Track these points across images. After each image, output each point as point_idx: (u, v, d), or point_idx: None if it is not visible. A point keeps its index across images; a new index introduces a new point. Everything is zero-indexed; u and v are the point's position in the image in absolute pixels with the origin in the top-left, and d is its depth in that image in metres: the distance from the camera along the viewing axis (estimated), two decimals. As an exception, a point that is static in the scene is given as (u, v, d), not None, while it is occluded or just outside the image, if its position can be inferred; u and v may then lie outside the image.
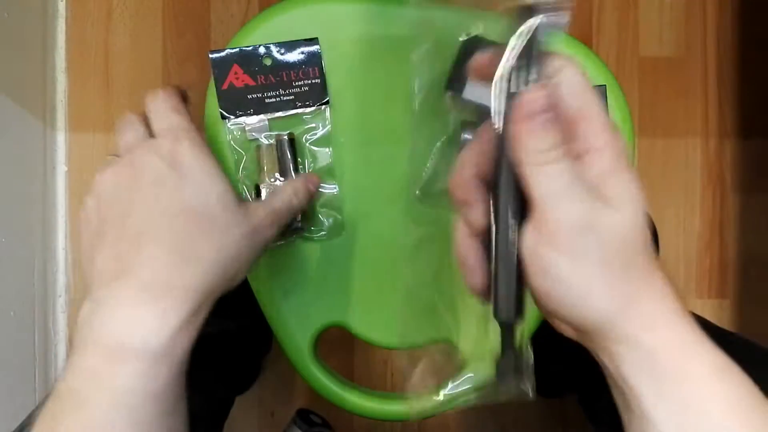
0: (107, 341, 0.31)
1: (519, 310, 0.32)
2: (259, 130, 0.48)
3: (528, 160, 0.28)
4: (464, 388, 0.42)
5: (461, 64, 0.48)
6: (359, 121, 0.49)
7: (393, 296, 0.50)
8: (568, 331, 0.33)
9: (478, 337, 0.37)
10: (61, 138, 0.87)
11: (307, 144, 0.49)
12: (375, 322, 0.50)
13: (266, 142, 0.48)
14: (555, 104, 0.29)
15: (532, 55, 0.29)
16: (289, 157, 0.48)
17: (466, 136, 0.48)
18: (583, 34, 0.89)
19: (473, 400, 0.39)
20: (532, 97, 0.28)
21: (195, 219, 0.34)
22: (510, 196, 0.30)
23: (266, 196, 0.47)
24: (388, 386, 0.88)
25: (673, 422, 0.29)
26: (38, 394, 0.81)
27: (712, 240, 0.90)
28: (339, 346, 0.87)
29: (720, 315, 0.90)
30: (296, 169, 0.48)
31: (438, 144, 0.49)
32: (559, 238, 0.28)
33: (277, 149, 0.48)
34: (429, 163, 0.49)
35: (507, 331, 0.33)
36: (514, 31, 0.29)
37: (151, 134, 0.38)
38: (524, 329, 0.33)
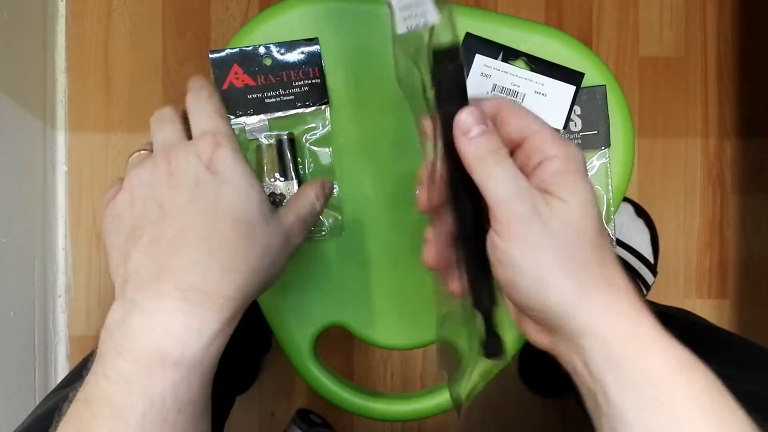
0: (144, 347, 0.30)
1: (492, 299, 0.37)
2: (259, 130, 0.48)
3: (476, 168, 0.32)
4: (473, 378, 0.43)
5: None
6: (359, 122, 0.49)
7: (393, 296, 0.50)
8: (539, 341, 0.36)
9: (468, 331, 0.40)
10: (61, 138, 0.87)
11: (307, 144, 0.49)
12: (375, 322, 0.50)
13: (266, 142, 0.48)
14: (493, 119, 0.34)
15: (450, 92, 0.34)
16: (289, 157, 0.48)
17: None
18: (583, 34, 0.89)
19: (480, 385, 0.43)
20: (464, 116, 0.32)
21: (236, 226, 0.33)
22: (467, 202, 0.34)
23: (287, 201, 0.46)
24: (388, 386, 0.88)
25: (639, 417, 0.30)
26: (38, 394, 0.81)
27: (712, 240, 0.90)
28: (339, 346, 0.87)
29: (720, 315, 0.90)
30: (296, 170, 0.48)
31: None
32: (509, 230, 0.31)
33: (276, 149, 0.48)
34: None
35: (487, 318, 0.38)
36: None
37: (188, 133, 0.37)
38: (501, 314, 0.38)
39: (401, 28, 0.34)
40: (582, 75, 0.48)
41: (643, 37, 0.89)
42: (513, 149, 0.34)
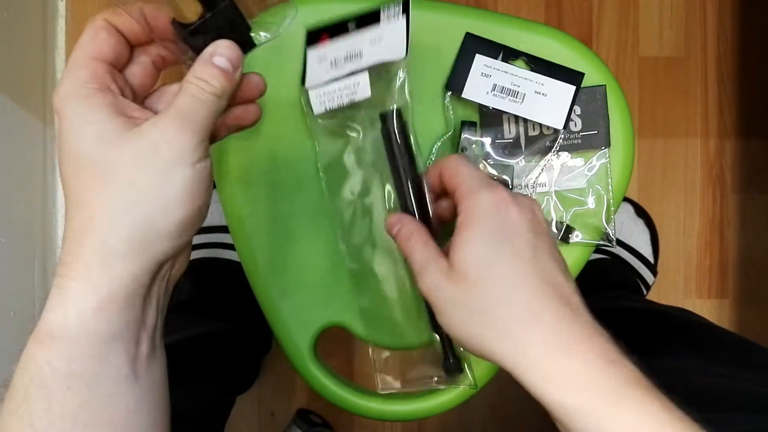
0: (38, 326, 0.30)
1: None
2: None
3: (403, 247, 0.39)
4: (426, 375, 0.48)
5: (462, 63, 0.48)
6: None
7: (393, 296, 0.50)
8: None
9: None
10: (61, 138, 0.87)
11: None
12: (374, 322, 0.50)
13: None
14: (441, 177, 0.40)
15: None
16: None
17: (467, 136, 0.48)
18: (583, 34, 0.89)
19: (432, 385, 0.48)
20: (389, 221, 0.41)
21: (73, 168, 0.29)
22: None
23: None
24: (388, 386, 0.88)
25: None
26: (38, 394, 0.81)
27: (712, 240, 0.90)
28: (339, 346, 0.87)
29: (720, 315, 0.90)
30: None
31: (438, 143, 0.49)
32: (428, 297, 0.36)
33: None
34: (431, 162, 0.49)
35: (445, 340, 0.45)
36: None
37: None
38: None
39: (318, 109, 0.43)
40: (582, 75, 0.48)
41: (643, 37, 0.89)
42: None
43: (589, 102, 0.49)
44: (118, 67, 0.33)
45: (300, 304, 0.50)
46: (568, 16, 0.89)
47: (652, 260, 0.85)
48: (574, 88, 0.48)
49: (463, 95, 0.48)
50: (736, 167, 0.90)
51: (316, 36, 0.44)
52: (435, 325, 0.45)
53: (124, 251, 0.28)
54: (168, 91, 0.34)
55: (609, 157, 0.49)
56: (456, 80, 0.48)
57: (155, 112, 0.32)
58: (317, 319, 0.50)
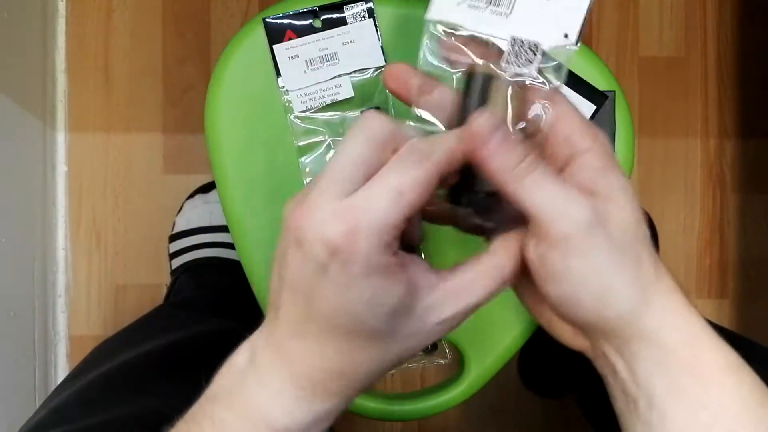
0: (255, 405, 0.30)
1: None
2: None
3: (506, 179, 0.28)
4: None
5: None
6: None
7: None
8: (577, 344, 0.33)
9: None
10: (61, 138, 0.87)
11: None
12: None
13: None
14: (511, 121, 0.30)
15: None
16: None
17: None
18: (583, 34, 0.89)
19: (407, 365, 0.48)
20: (481, 122, 0.28)
21: (337, 321, 0.29)
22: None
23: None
24: (388, 386, 0.88)
25: (685, 424, 0.29)
26: (38, 394, 0.81)
27: (712, 240, 0.90)
28: (339, 346, 0.87)
29: (720, 315, 0.90)
30: None
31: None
32: (567, 242, 0.28)
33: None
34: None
35: None
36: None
37: None
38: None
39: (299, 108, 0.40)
40: (606, 97, 0.47)
41: (643, 37, 0.89)
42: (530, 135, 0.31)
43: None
44: None
45: (300, 304, 0.49)
46: (568, 16, 0.89)
47: (652, 260, 0.84)
48: (594, 107, 0.47)
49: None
50: (736, 167, 0.90)
51: (279, 33, 0.44)
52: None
53: (340, 393, 0.30)
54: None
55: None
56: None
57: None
58: (317, 319, 0.49)
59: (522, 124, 0.31)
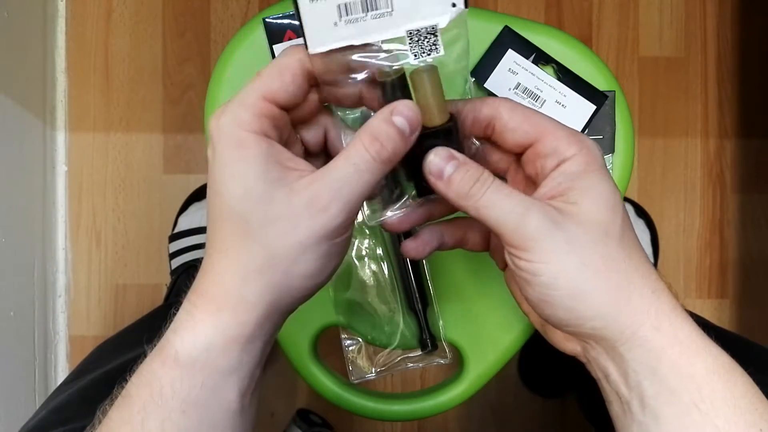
0: (162, 345, 0.31)
1: (425, 302, 0.48)
2: None
3: (466, 204, 0.30)
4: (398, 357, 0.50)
5: (492, 54, 0.48)
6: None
7: (392, 295, 0.50)
8: (569, 348, 0.34)
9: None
10: (61, 138, 0.87)
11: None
12: (374, 322, 0.50)
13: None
14: (488, 124, 0.32)
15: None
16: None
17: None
18: (583, 34, 0.89)
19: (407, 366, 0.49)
20: (431, 159, 0.31)
21: (225, 216, 0.30)
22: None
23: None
24: (388, 386, 0.88)
25: (677, 424, 0.29)
26: (38, 394, 0.81)
27: (712, 240, 0.90)
28: (339, 346, 0.87)
29: (720, 315, 0.90)
30: None
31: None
32: (531, 248, 0.29)
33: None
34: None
35: (420, 315, 0.47)
36: None
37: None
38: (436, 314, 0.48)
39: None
40: (606, 97, 0.48)
41: (643, 37, 0.89)
42: (521, 152, 0.32)
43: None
44: (290, 107, 0.31)
45: (300, 304, 0.50)
46: (568, 16, 0.89)
47: (652, 260, 0.85)
48: (594, 107, 0.47)
49: (485, 85, 0.47)
50: (736, 167, 0.90)
51: (279, 33, 0.45)
52: (411, 304, 0.47)
53: (255, 302, 0.30)
54: (321, 123, 0.33)
55: (612, 163, 0.49)
56: (482, 69, 0.48)
57: (306, 147, 0.33)
58: (317, 319, 0.50)
59: (474, 140, 0.33)
